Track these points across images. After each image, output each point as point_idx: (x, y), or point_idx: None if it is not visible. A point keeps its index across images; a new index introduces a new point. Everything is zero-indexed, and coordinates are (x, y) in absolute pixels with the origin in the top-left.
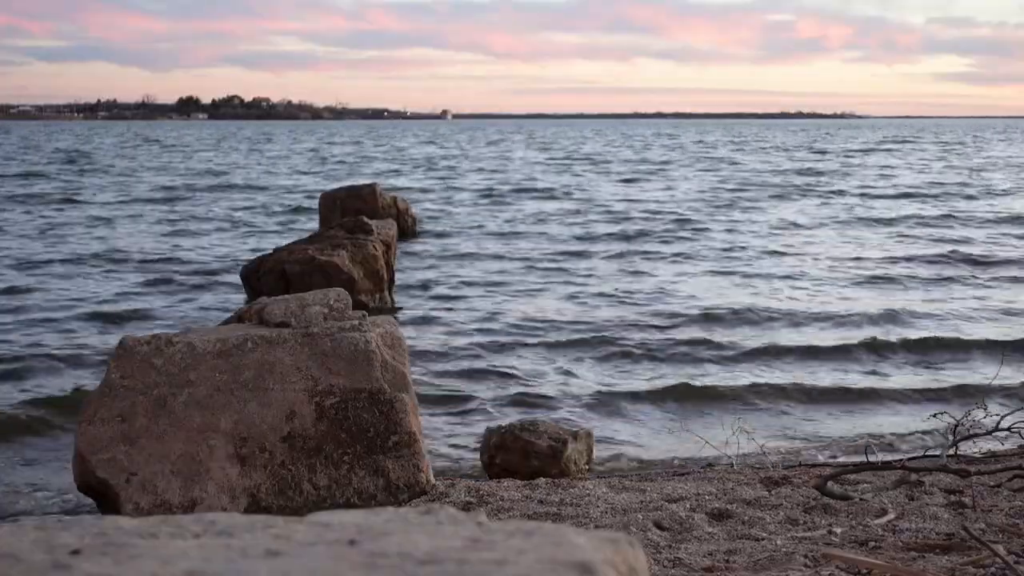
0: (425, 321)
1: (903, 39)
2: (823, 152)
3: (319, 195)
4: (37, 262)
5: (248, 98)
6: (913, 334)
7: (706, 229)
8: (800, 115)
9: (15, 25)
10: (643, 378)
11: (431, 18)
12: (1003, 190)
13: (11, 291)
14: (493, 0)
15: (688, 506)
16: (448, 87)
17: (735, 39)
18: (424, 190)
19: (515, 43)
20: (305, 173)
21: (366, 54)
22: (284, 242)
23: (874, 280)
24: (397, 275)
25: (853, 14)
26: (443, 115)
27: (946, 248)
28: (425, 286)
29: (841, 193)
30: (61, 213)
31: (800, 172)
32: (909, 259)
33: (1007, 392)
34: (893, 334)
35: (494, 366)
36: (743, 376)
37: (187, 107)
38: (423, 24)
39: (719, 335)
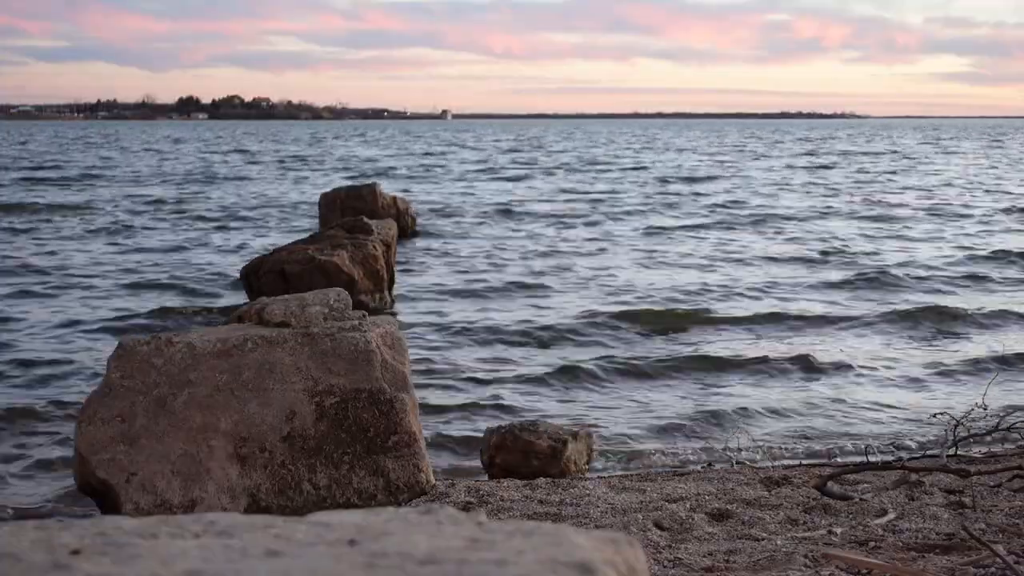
0: (425, 321)
1: (902, 39)
2: None
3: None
4: None
5: (248, 98)
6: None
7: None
8: (800, 115)
9: (12, 25)
10: (644, 378)
11: (429, 18)
12: None
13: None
14: (491, 0)
15: (688, 506)
16: (447, 87)
17: (733, 39)
18: None
19: (514, 43)
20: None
21: (364, 54)
22: None
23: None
24: (397, 275)
25: (851, 14)
26: (443, 115)
27: None
28: (425, 285)
29: None
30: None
31: None
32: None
33: (1007, 392)
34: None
35: (495, 366)
36: (745, 375)
37: (187, 107)
38: (421, 24)
39: (723, 334)
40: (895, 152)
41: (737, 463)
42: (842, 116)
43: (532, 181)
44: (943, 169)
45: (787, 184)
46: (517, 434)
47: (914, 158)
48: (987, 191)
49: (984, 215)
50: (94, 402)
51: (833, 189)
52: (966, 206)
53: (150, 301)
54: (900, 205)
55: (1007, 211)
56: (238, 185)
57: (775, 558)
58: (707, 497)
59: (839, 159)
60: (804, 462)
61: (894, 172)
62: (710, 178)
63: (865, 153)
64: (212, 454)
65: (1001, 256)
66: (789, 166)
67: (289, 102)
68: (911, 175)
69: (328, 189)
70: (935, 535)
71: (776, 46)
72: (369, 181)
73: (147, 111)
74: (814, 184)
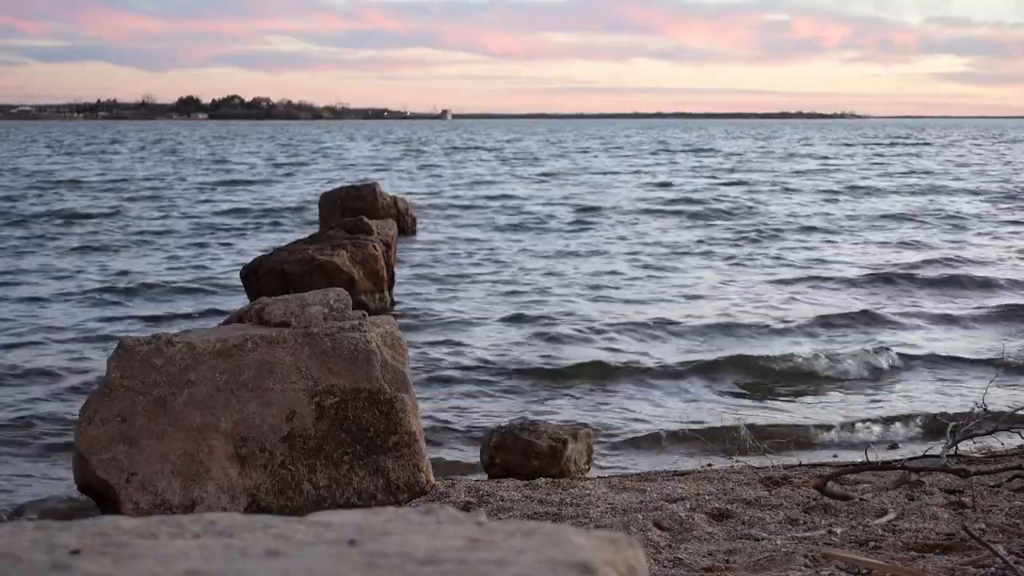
0: (425, 321)
1: (900, 39)
2: None
3: None
4: None
5: (248, 98)
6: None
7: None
8: (800, 115)
9: (9, 25)
10: (643, 377)
11: (427, 18)
12: None
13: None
14: (489, 0)
15: (688, 506)
16: (446, 87)
17: (732, 39)
18: None
19: (512, 43)
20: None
21: (363, 54)
22: None
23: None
24: (397, 275)
25: (849, 14)
26: (443, 115)
27: None
28: (425, 286)
29: None
30: None
31: None
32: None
33: (1007, 392)
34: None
35: (494, 365)
36: (746, 376)
37: (187, 107)
38: (419, 24)
39: (726, 335)
40: None
41: (737, 463)
42: (842, 116)
43: (536, 181)
44: None
45: None
46: (517, 434)
47: None
48: None
49: None
50: (94, 402)
51: None
52: None
53: (150, 303)
54: None
55: None
56: (237, 185)
57: (775, 558)
58: (707, 497)
59: None
60: (804, 462)
61: None
62: None
63: None
64: (212, 454)
65: None
66: None
67: (289, 102)
68: None
69: (328, 189)
70: (935, 535)
71: (775, 46)
72: (369, 181)
73: (147, 111)
74: None
